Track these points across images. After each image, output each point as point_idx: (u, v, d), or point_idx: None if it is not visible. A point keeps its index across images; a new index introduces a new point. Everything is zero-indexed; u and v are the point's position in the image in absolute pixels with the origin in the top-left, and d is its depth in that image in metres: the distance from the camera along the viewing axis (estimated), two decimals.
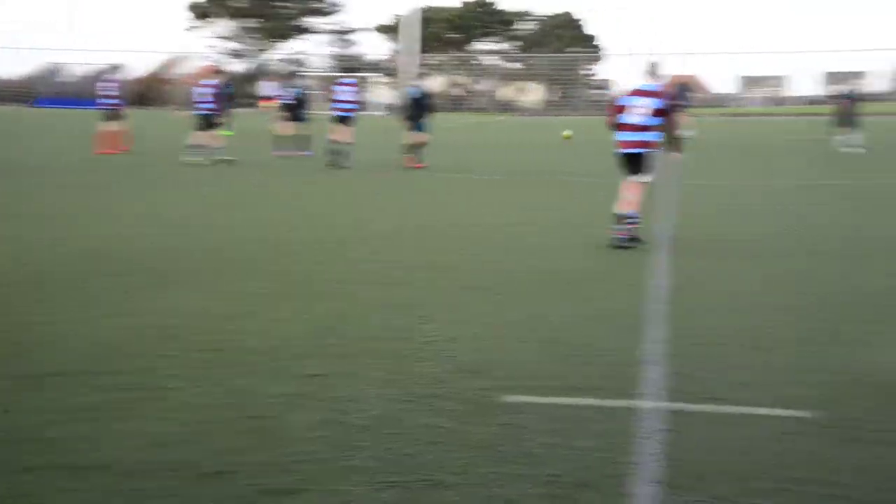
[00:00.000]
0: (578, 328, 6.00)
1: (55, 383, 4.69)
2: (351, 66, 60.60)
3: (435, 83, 19.47)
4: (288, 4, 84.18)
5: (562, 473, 3.67)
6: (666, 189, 12.61)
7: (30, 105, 62.73)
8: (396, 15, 70.33)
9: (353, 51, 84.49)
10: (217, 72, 21.07)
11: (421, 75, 22.97)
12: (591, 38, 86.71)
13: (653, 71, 9.44)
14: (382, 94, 65.16)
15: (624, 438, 4.02)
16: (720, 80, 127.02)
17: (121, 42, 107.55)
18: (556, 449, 3.91)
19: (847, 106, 24.55)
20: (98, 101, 21.29)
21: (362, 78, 20.88)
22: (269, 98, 41.09)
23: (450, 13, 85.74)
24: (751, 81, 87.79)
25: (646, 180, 9.28)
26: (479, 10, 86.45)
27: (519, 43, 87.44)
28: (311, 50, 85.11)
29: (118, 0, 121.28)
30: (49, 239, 9.31)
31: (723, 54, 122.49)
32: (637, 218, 9.21)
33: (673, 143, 9.56)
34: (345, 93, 19.65)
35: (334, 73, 61.22)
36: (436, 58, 64.88)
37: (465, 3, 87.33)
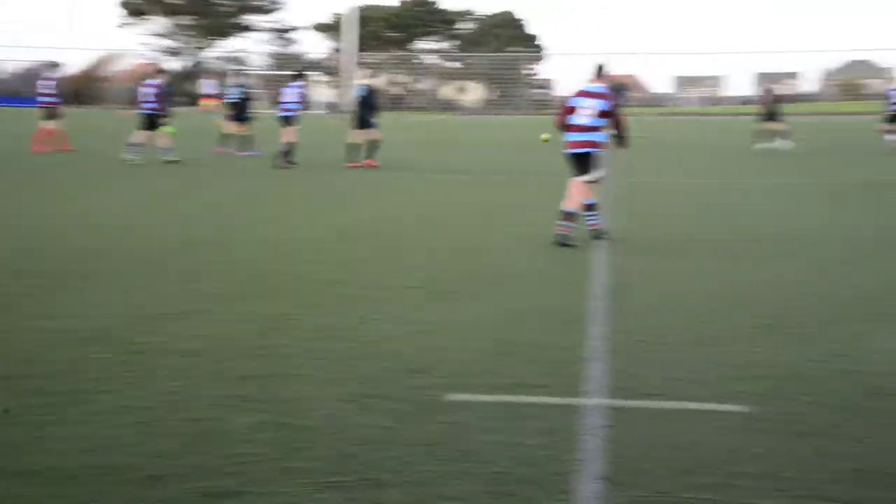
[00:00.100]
0: (522, 326, 6.00)
1: None
2: (290, 64, 60.06)
3: (376, 81, 19.22)
4: (226, 2, 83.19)
5: (506, 471, 3.66)
6: (608, 188, 12.71)
7: None
8: (335, 13, 70.10)
9: (292, 49, 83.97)
10: (160, 71, 20.80)
11: (373, 74, 22.80)
12: (532, 37, 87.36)
13: (599, 73, 9.49)
14: (323, 93, 64.80)
15: (567, 435, 4.03)
16: (657, 79, 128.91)
17: (51, 39, 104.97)
18: (499, 446, 3.90)
19: (770, 106, 25.22)
20: (37, 98, 20.96)
21: (302, 75, 20.54)
22: (209, 96, 40.61)
23: (387, 12, 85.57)
24: (686, 81, 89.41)
25: (593, 179, 9.33)
26: (418, 8, 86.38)
27: (459, 42, 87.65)
28: (250, 48, 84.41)
29: None
30: None
31: (659, 54, 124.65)
32: (596, 214, 9.33)
33: (621, 141, 9.63)
34: (289, 94, 19.55)
35: (275, 72, 60.79)
36: (375, 56, 64.65)
37: (404, 3, 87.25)
